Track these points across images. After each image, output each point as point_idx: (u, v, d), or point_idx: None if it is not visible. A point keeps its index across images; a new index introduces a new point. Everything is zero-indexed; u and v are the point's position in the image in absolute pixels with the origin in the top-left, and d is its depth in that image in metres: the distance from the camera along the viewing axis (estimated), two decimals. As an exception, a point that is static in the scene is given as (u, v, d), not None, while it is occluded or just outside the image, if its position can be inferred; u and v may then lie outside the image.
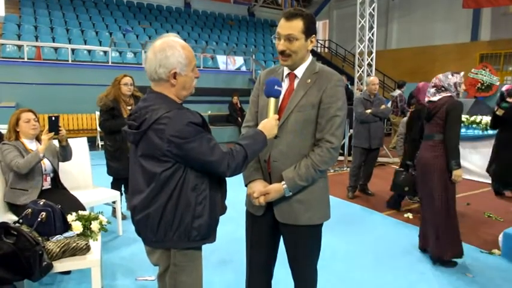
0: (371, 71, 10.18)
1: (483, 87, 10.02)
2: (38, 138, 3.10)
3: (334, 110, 1.71)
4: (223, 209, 1.70)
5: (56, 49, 10.18)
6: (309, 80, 1.75)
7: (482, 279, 3.01)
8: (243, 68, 12.32)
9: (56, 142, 3.18)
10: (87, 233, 2.43)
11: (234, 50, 12.82)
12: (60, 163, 3.24)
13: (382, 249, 3.54)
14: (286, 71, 1.82)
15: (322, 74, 1.76)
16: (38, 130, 3.09)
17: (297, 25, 1.67)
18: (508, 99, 4.49)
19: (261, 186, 1.77)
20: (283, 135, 1.74)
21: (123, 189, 4.14)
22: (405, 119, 5.20)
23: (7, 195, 2.93)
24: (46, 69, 9.02)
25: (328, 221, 1.86)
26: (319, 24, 18.51)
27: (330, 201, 1.89)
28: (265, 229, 1.88)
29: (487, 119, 6.02)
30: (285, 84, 1.81)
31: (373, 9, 10.12)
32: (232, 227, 3.32)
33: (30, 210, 2.33)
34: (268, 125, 1.68)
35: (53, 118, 2.96)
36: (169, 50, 1.51)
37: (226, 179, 1.68)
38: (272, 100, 1.71)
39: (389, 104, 8.17)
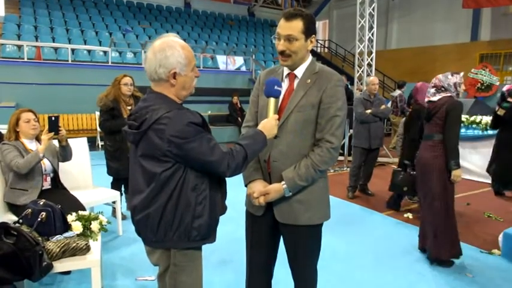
0: (371, 71, 10.18)
1: (483, 87, 10.02)
2: (38, 138, 3.10)
3: (334, 110, 1.71)
4: (223, 209, 1.70)
5: (56, 49, 10.18)
6: (309, 80, 1.75)
7: (482, 279, 3.01)
8: (243, 68, 12.32)
9: (56, 142, 3.18)
10: (87, 233, 2.43)
11: (234, 50, 12.82)
12: (60, 163, 3.25)
13: (382, 249, 3.54)
14: (286, 71, 1.82)
15: (322, 74, 1.76)
16: (38, 130, 3.09)
17: (297, 25, 1.67)
18: (509, 99, 4.49)
19: (261, 186, 1.78)
20: (283, 135, 1.74)
21: (123, 189, 4.14)
22: (405, 119, 5.21)
23: (7, 195, 2.93)
24: (46, 69, 9.02)
25: (328, 221, 1.86)
26: (319, 24, 18.52)
27: (330, 201, 1.89)
28: (265, 229, 1.89)
29: (487, 119, 6.02)
30: (285, 85, 1.81)
31: (373, 9, 10.13)
32: (232, 227, 3.32)
33: (30, 210, 2.33)
34: (268, 125, 1.68)
35: (53, 118, 2.96)
36: (168, 50, 1.51)
37: (226, 179, 1.68)
38: (272, 100, 1.71)
39: (389, 104, 8.17)
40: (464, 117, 5.95)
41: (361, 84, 10.02)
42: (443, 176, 3.04)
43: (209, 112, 10.21)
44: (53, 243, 2.19)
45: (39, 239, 2.16)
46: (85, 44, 10.96)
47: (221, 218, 1.69)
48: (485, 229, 4.04)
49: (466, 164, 6.10)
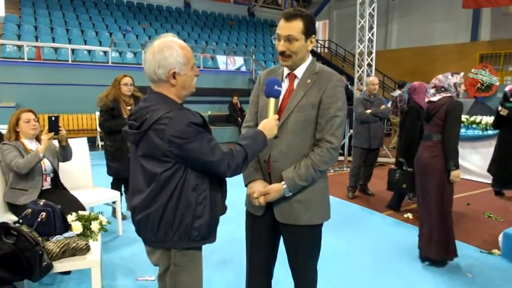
0: (371, 71, 10.19)
1: (483, 88, 10.02)
2: (38, 138, 3.10)
3: (334, 110, 1.71)
4: (223, 209, 1.70)
5: (56, 49, 10.18)
6: (309, 80, 1.75)
7: (482, 279, 3.01)
8: (243, 68, 12.32)
9: (56, 142, 3.18)
10: (87, 233, 2.43)
11: (234, 50, 12.82)
12: (60, 163, 3.25)
13: (382, 249, 3.54)
14: (286, 71, 1.82)
15: (322, 74, 1.76)
16: (38, 130, 3.09)
17: (297, 26, 1.67)
18: None
19: (261, 187, 1.78)
20: (283, 135, 1.74)
21: (123, 189, 4.14)
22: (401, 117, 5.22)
23: (7, 195, 2.93)
24: (46, 69, 9.02)
25: (328, 221, 1.86)
26: (319, 25, 18.53)
27: (330, 201, 1.90)
28: (265, 229, 1.89)
29: (487, 119, 6.02)
30: (285, 85, 1.81)
31: (373, 10, 10.13)
32: (232, 227, 3.32)
33: (30, 210, 2.33)
34: (268, 125, 1.68)
35: (53, 118, 2.96)
36: (167, 50, 1.51)
37: (227, 179, 1.68)
38: (272, 100, 1.71)
39: (389, 104, 8.17)
40: (464, 117, 5.95)
41: (361, 84, 10.02)
42: (442, 176, 3.04)
43: (209, 112, 10.21)
44: (53, 243, 2.19)
45: (39, 239, 2.16)
46: (85, 44, 10.97)
47: (221, 218, 1.69)
48: (485, 229, 4.04)
49: (466, 164, 6.11)
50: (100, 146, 8.26)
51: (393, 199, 4.67)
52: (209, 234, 1.63)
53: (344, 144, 6.94)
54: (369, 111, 5.01)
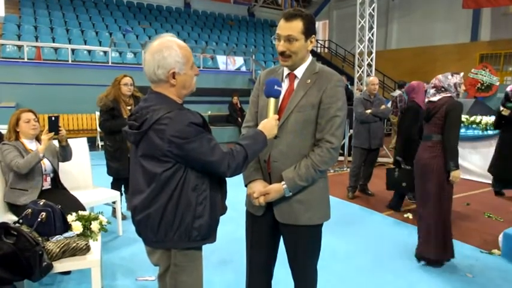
0: (371, 71, 10.19)
1: (483, 88, 10.02)
2: (38, 138, 3.10)
3: (334, 111, 1.71)
4: (223, 209, 1.70)
5: (56, 49, 10.18)
6: (309, 80, 1.75)
7: (482, 279, 3.01)
8: (243, 68, 12.32)
9: (56, 142, 3.18)
10: (87, 233, 2.43)
11: (234, 50, 12.82)
12: (60, 163, 3.25)
13: (382, 249, 3.54)
14: (286, 71, 1.82)
15: (322, 74, 1.76)
16: (38, 130, 3.09)
17: (297, 26, 1.67)
18: None
19: (261, 187, 1.78)
20: (283, 135, 1.74)
21: (123, 189, 4.14)
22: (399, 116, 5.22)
23: (7, 196, 2.93)
24: (46, 69, 9.02)
25: (328, 221, 1.86)
26: (319, 25, 18.53)
27: (330, 201, 1.90)
28: (265, 229, 1.89)
29: (487, 119, 6.02)
30: (285, 85, 1.81)
31: (373, 10, 10.13)
32: (232, 227, 3.32)
33: (30, 210, 2.33)
34: (268, 125, 1.68)
35: (53, 118, 2.96)
36: (166, 50, 1.51)
37: (227, 179, 1.68)
38: (272, 100, 1.71)
39: (389, 104, 8.17)
40: (464, 117, 5.95)
41: (361, 84, 10.02)
42: (441, 176, 3.03)
43: (209, 112, 10.21)
44: (53, 244, 2.19)
45: (39, 239, 2.16)
46: (85, 44, 10.97)
47: (221, 218, 1.69)
48: (485, 229, 4.04)
49: (466, 164, 6.11)
50: (100, 146, 8.26)
51: (393, 199, 4.67)
52: (209, 234, 1.63)
53: (344, 144, 6.94)
54: (368, 111, 5.01)
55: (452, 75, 3.10)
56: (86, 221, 2.48)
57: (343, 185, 5.37)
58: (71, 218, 2.46)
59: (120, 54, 11.09)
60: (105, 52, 10.61)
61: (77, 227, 2.40)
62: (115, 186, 4.07)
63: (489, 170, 4.95)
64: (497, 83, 10.04)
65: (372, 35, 10.31)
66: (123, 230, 3.75)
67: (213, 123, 9.52)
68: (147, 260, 1.79)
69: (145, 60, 1.54)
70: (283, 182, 1.73)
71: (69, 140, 3.23)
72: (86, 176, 3.81)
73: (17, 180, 2.91)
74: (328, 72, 1.78)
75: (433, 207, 3.09)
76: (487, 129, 5.93)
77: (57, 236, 2.26)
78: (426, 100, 3.24)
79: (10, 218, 2.79)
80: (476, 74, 10.13)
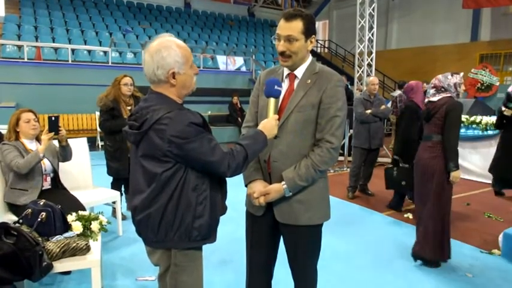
0: (371, 71, 10.19)
1: (483, 88, 10.03)
2: (38, 138, 3.10)
3: (334, 111, 1.71)
4: (223, 209, 1.70)
5: (56, 49, 10.18)
6: (309, 81, 1.75)
7: (482, 279, 3.01)
8: (243, 68, 12.32)
9: (56, 142, 3.18)
10: (87, 233, 2.43)
11: (234, 50, 12.82)
12: (60, 163, 3.25)
13: (382, 249, 3.54)
14: (286, 71, 1.82)
15: (322, 75, 1.76)
16: (38, 130, 3.09)
17: (297, 26, 1.67)
18: None
19: (261, 187, 1.78)
20: (283, 135, 1.74)
21: (123, 189, 4.14)
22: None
23: (7, 196, 2.93)
24: (46, 69, 9.02)
25: (328, 221, 1.86)
26: (319, 25, 18.53)
27: (330, 201, 1.90)
28: (265, 229, 1.89)
29: (487, 119, 6.02)
30: (285, 85, 1.81)
31: (373, 10, 10.13)
32: (232, 227, 3.32)
33: (30, 210, 2.33)
34: (268, 125, 1.68)
35: (53, 118, 2.96)
36: (165, 50, 1.51)
37: (227, 179, 1.68)
38: (272, 100, 1.72)
39: (389, 104, 8.18)
40: (464, 117, 5.95)
41: (361, 84, 10.02)
42: (441, 177, 3.03)
43: (209, 112, 10.21)
44: (53, 244, 2.19)
45: (39, 239, 2.16)
46: (85, 44, 10.96)
47: (221, 218, 1.69)
48: (485, 229, 4.04)
49: (466, 164, 6.11)
50: (100, 146, 8.26)
51: (394, 199, 4.67)
52: (209, 234, 1.63)
53: (344, 144, 6.94)
54: (368, 111, 5.01)
55: (452, 75, 3.09)
56: (86, 221, 2.48)
57: (343, 185, 5.37)
58: (71, 218, 2.46)
59: (120, 54, 11.09)
60: (105, 52, 10.61)
61: (77, 227, 2.40)
62: (115, 186, 4.07)
63: (490, 170, 4.95)
64: (497, 83, 10.05)
65: (372, 35, 10.31)
66: (123, 230, 3.75)
67: (213, 123, 9.52)
68: (147, 260, 1.79)
69: (145, 61, 1.54)
70: (283, 182, 1.73)
71: (69, 140, 3.23)
72: (86, 176, 3.81)
73: (17, 180, 2.91)
74: (328, 72, 1.78)
75: (432, 208, 3.09)
76: (487, 129, 5.93)
77: (57, 236, 2.27)
78: (426, 100, 3.23)
79: (10, 218, 2.79)
80: (476, 74, 10.14)
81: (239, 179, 1.82)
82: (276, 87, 1.70)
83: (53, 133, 2.93)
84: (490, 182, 5.35)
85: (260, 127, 1.69)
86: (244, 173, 1.81)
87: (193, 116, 1.49)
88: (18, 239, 2.04)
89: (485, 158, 5.84)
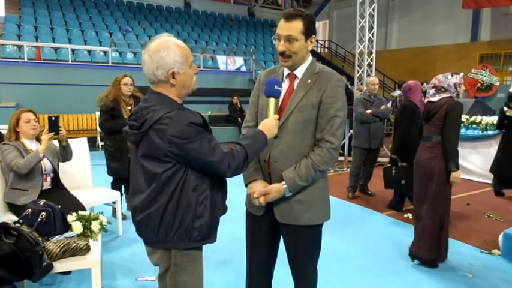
0: (371, 71, 10.19)
1: (483, 88, 10.03)
2: (38, 138, 3.10)
3: (334, 111, 1.71)
4: (223, 209, 1.70)
5: (56, 49, 10.17)
6: (309, 81, 1.76)
7: (481, 279, 3.01)
8: (243, 69, 12.32)
9: (56, 142, 3.18)
10: (87, 233, 2.43)
11: (234, 50, 12.82)
12: (60, 163, 3.25)
13: (382, 249, 3.54)
14: (286, 71, 1.82)
15: (322, 75, 1.76)
16: (38, 130, 3.09)
17: (297, 26, 1.67)
18: None
19: (261, 187, 1.78)
20: (283, 135, 1.75)
21: (123, 189, 4.14)
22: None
23: (7, 196, 2.93)
24: (46, 69, 9.02)
25: (328, 221, 1.86)
26: (319, 25, 18.53)
27: (330, 201, 1.90)
28: (265, 229, 1.89)
29: (487, 119, 6.02)
30: (285, 85, 1.81)
31: (373, 10, 10.13)
32: (232, 227, 3.32)
33: (30, 210, 2.33)
34: (269, 125, 1.68)
35: (53, 118, 2.96)
36: (164, 50, 1.51)
37: (227, 179, 1.68)
38: (272, 100, 1.72)
39: (389, 104, 8.18)
40: (464, 117, 5.95)
41: (361, 84, 10.02)
42: (442, 177, 3.02)
43: (209, 112, 10.21)
44: (53, 244, 2.19)
45: (39, 239, 2.16)
46: (85, 44, 10.96)
47: (221, 218, 1.69)
48: (485, 229, 4.04)
49: (466, 164, 6.11)
50: (100, 146, 8.25)
51: (394, 199, 4.67)
52: (209, 234, 1.63)
53: (344, 144, 6.94)
54: (369, 111, 5.01)
55: (452, 76, 3.09)
56: (86, 221, 2.48)
57: (343, 185, 5.37)
58: (71, 218, 2.47)
59: (120, 54, 11.08)
60: (105, 52, 10.60)
61: (77, 227, 2.40)
62: (115, 186, 4.07)
63: (491, 170, 4.95)
64: (497, 83, 10.04)
65: (372, 35, 10.31)
66: (123, 230, 3.75)
67: (213, 123, 9.52)
68: (147, 260, 1.79)
69: (145, 61, 1.55)
70: (283, 182, 1.73)
71: (69, 140, 3.23)
72: (86, 176, 3.81)
73: (17, 180, 2.91)
74: (328, 73, 1.78)
75: (431, 208, 3.08)
76: (487, 129, 5.93)
77: (57, 236, 2.27)
78: (426, 100, 3.23)
79: (10, 218, 2.79)
80: (476, 74, 10.14)
81: (239, 179, 1.82)
82: (276, 87, 1.70)
83: (53, 133, 2.93)
84: (490, 182, 5.35)
85: (260, 127, 1.69)
86: (244, 173, 1.81)
87: (193, 116, 1.49)
88: (18, 239, 2.04)
89: (485, 158, 5.84)
